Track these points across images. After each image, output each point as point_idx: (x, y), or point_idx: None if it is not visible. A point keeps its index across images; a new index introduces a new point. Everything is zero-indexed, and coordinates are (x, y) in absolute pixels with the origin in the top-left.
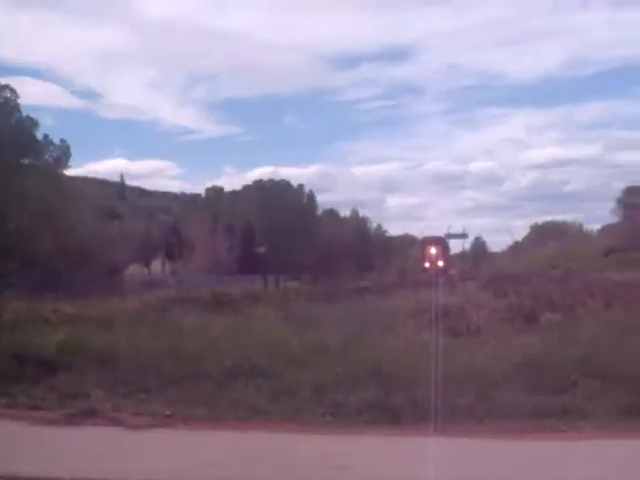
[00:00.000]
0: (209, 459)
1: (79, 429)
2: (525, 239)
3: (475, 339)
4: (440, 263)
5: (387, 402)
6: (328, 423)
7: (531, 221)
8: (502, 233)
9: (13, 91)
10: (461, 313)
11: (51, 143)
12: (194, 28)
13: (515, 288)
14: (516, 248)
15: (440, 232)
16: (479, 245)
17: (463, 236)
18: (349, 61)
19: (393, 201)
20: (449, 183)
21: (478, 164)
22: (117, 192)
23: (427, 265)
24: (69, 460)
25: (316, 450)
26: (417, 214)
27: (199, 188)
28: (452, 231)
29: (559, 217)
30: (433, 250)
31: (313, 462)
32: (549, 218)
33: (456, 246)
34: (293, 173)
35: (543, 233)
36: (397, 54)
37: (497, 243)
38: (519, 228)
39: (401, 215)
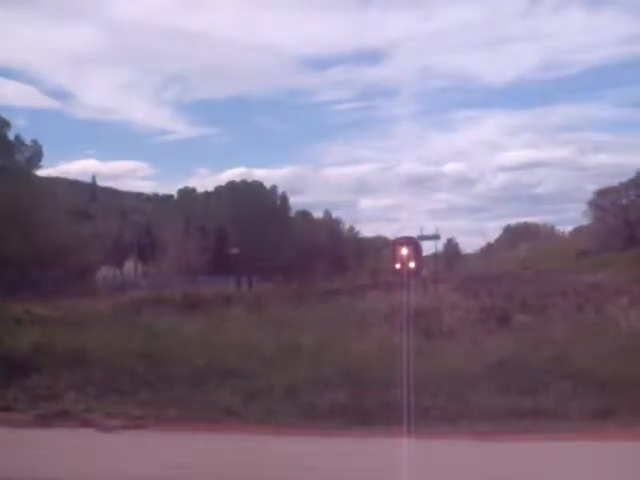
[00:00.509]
0: (179, 460)
1: (51, 431)
2: (497, 241)
3: (448, 340)
4: (412, 264)
5: (360, 404)
6: (301, 425)
7: (504, 223)
8: (475, 235)
9: None
10: (434, 314)
11: (23, 143)
12: (167, 28)
13: (488, 289)
14: (488, 250)
15: (413, 233)
16: (452, 246)
17: (436, 237)
18: (322, 62)
19: (366, 203)
20: (422, 185)
21: (451, 166)
22: (89, 193)
23: (398, 266)
24: (40, 461)
25: (288, 451)
26: (390, 216)
27: (172, 189)
28: (425, 232)
29: (531, 219)
30: (404, 251)
31: (284, 463)
32: (521, 220)
33: (429, 247)
34: (266, 174)
35: (515, 235)
36: (370, 56)
37: (470, 245)
38: (492, 230)
39: (374, 217)
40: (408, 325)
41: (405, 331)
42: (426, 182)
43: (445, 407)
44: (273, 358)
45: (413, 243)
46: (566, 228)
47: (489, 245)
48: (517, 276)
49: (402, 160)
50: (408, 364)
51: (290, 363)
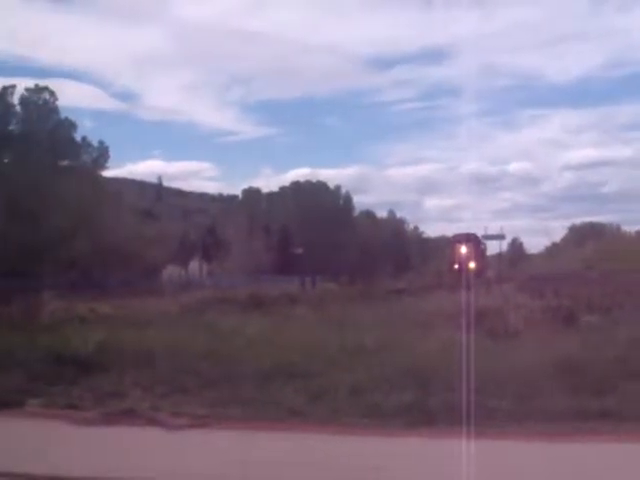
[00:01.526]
0: (244, 459)
1: (116, 429)
2: (562, 240)
3: (513, 341)
4: (472, 264)
5: (424, 404)
6: (365, 425)
7: (568, 222)
8: (540, 234)
9: (52, 93)
10: (499, 314)
11: (89, 145)
12: (231, 29)
13: (553, 289)
14: (553, 249)
15: (478, 233)
16: (516, 246)
17: (500, 237)
18: (386, 62)
19: (430, 202)
20: (486, 184)
21: (515, 165)
22: (155, 193)
23: (456, 266)
24: (106, 459)
25: (352, 451)
26: (454, 215)
27: (236, 189)
28: (490, 232)
29: (597, 218)
30: (463, 249)
31: (349, 463)
32: (587, 219)
33: (493, 247)
34: (330, 175)
35: (580, 234)
36: (434, 55)
37: (534, 244)
38: (556, 229)
39: (438, 217)
40: (473, 325)
41: (469, 331)
42: (490, 181)
43: (510, 408)
44: (337, 358)
45: (473, 240)
46: (632, 228)
47: (554, 245)
48: (582, 276)
49: (466, 159)
50: (472, 364)
51: (354, 363)
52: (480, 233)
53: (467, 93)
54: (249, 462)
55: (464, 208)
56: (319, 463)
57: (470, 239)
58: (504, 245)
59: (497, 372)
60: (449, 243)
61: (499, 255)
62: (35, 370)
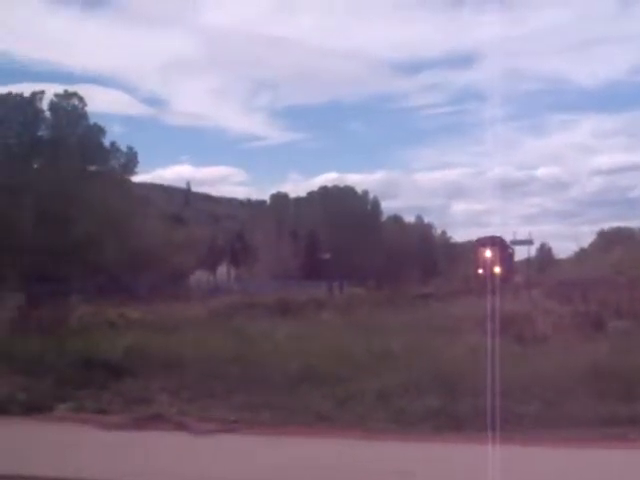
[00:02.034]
0: (273, 464)
1: (144, 433)
2: (591, 245)
3: (541, 346)
4: (497, 269)
5: (451, 409)
6: (392, 430)
7: (598, 227)
8: (568, 239)
9: (81, 99)
10: (527, 320)
11: (118, 150)
12: (258, 35)
13: (581, 295)
14: (582, 254)
15: (506, 238)
16: (545, 251)
17: (529, 242)
18: (413, 67)
19: (458, 207)
20: (514, 189)
21: (544, 170)
22: (183, 198)
23: (480, 271)
24: (133, 463)
25: (380, 456)
26: (482, 220)
27: (264, 194)
28: (518, 237)
29: (625, 223)
30: (488, 253)
31: (377, 468)
32: (616, 224)
33: (522, 253)
34: (358, 179)
35: (609, 239)
36: (461, 59)
37: (563, 249)
38: (585, 234)
39: (466, 221)
40: (500, 330)
41: (497, 336)
42: (518, 186)
43: (538, 413)
44: (364, 363)
45: (499, 244)
46: None
47: (582, 250)
48: (611, 281)
49: (493, 164)
50: (500, 369)
51: (381, 368)
52: (508, 238)
53: (494, 97)
54: (277, 467)
55: (492, 213)
56: (346, 468)
57: (495, 242)
58: (532, 250)
59: (525, 377)
60: (473, 247)
61: (527, 260)
62: (64, 375)
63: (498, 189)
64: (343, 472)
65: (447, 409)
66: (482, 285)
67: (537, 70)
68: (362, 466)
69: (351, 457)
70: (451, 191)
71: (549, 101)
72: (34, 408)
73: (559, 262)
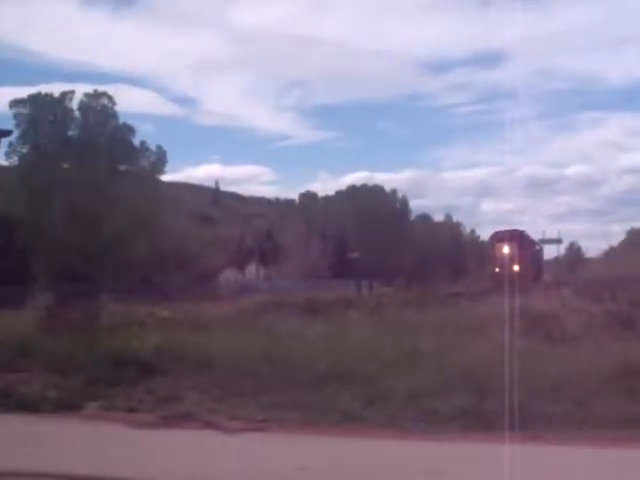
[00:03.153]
0: (302, 463)
1: (174, 432)
2: (621, 244)
3: (571, 346)
4: (516, 267)
5: (481, 409)
6: (422, 429)
7: (628, 226)
8: (598, 238)
9: (110, 98)
10: (556, 319)
11: (147, 149)
12: (287, 34)
13: (611, 294)
14: (612, 253)
15: (535, 237)
16: (574, 250)
17: (558, 241)
18: (442, 65)
19: (487, 206)
20: (544, 188)
21: (573, 168)
22: (212, 197)
23: (497, 269)
24: (163, 462)
25: (410, 456)
26: (511, 219)
27: (293, 194)
28: (547, 236)
29: None
30: (506, 249)
31: (406, 468)
32: None
33: (551, 251)
34: (386, 178)
35: None
36: (490, 58)
37: (593, 248)
38: (615, 233)
39: (495, 220)
40: (530, 330)
41: (526, 336)
42: (548, 185)
43: (568, 413)
44: (394, 362)
45: (518, 239)
46: None
47: (612, 249)
48: None
49: (523, 163)
50: (529, 369)
51: (411, 367)
52: (537, 237)
53: (523, 96)
54: (306, 467)
55: (521, 212)
56: (375, 468)
57: (514, 237)
58: (562, 249)
59: (554, 377)
60: (490, 242)
61: (556, 259)
62: (94, 373)
63: (527, 188)
64: (371, 472)
65: (476, 408)
66: (498, 286)
67: (566, 68)
68: (391, 466)
69: (380, 457)
70: (480, 190)
71: (578, 99)
72: (65, 406)
73: (589, 261)
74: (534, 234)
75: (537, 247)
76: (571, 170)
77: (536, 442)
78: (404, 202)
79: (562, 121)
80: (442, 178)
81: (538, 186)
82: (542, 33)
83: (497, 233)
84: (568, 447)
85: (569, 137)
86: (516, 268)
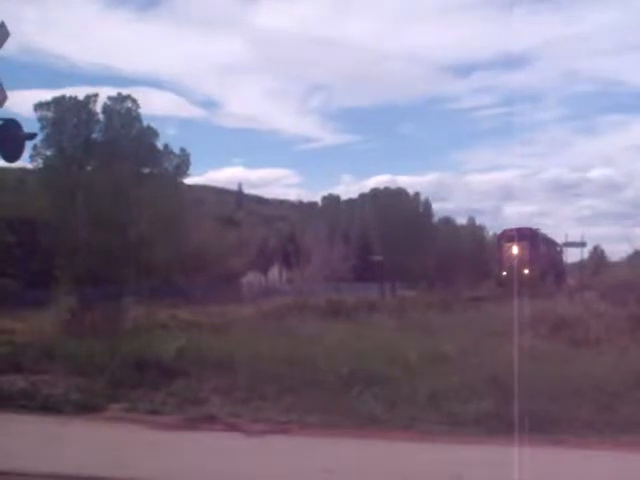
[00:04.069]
0: (325, 466)
1: (197, 434)
2: None
3: (594, 349)
4: (526, 270)
5: (504, 412)
6: (444, 432)
7: None
8: (622, 242)
9: (134, 101)
10: (580, 323)
11: (171, 152)
12: (311, 37)
13: (635, 297)
14: (636, 257)
15: (558, 240)
16: (598, 254)
17: (582, 245)
18: (465, 69)
19: (510, 209)
20: (567, 191)
21: (597, 171)
22: (235, 200)
23: (505, 273)
24: (185, 464)
25: (432, 459)
26: (535, 222)
27: (316, 196)
28: (570, 239)
29: None
30: (515, 249)
31: (428, 471)
32: None
33: (575, 254)
34: (410, 181)
35: None
36: (513, 60)
37: (617, 252)
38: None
39: (519, 223)
40: (553, 333)
41: (550, 339)
42: (571, 188)
43: (591, 417)
44: (416, 365)
45: (529, 238)
46: None
47: (637, 252)
48: None
49: (547, 166)
50: (552, 372)
51: (433, 370)
52: (561, 240)
53: (547, 99)
54: (328, 469)
55: (544, 215)
56: (397, 471)
57: (525, 236)
58: (585, 253)
59: (577, 380)
60: (497, 242)
61: (580, 263)
62: (117, 375)
63: (551, 191)
64: (394, 475)
65: (499, 412)
66: (506, 290)
67: (590, 70)
68: (413, 469)
69: (401, 459)
70: (503, 193)
71: (603, 102)
72: (88, 408)
73: (612, 264)
74: (557, 237)
75: (558, 248)
76: (595, 173)
77: (559, 446)
78: (427, 205)
79: (586, 124)
80: (465, 181)
81: (561, 189)
82: (566, 35)
83: (505, 232)
84: (591, 451)
85: (593, 140)
86: (526, 271)
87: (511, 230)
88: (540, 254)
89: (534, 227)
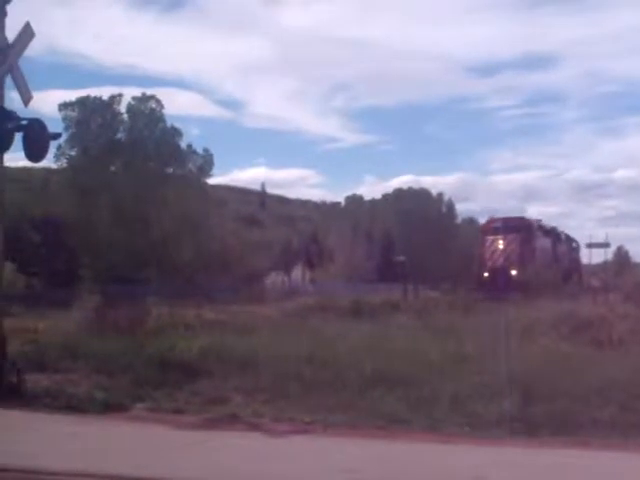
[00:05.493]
0: (348, 466)
1: (220, 433)
2: None
3: (618, 350)
4: (513, 272)
5: (526, 413)
6: (466, 434)
7: None
8: None
9: (158, 102)
10: (603, 324)
11: (194, 152)
12: (334, 38)
13: None
14: None
15: (581, 241)
16: (622, 255)
17: (605, 245)
18: (489, 69)
19: (534, 210)
20: (591, 192)
21: (622, 172)
22: (258, 200)
23: (486, 274)
24: (208, 463)
25: (454, 461)
26: (558, 223)
27: (339, 197)
28: (594, 240)
29: None
30: (500, 244)
31: (450, 473)
32: None
33: (598, 255)
34: (432, 182)
35: None
36: (538, 61)
37: None
38: None
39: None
40: (576, 334)
41: (573, 340)
42: (595, 189)
43: (614, 418)
44: (439, 366)
45: (521, 230)
46: None
47: None
48: None
49: (570, 167)
50: (575, 373)
51: (456, 371)
52: (584, 241)
53: (572, 99)
54: (350, 469)
55: (568, 216)
56: (420, 472)
57: (513, 228)
58: (609, 253)
59: (600, 382)
60: (478, 236)
61: (604, 264)
62: (141, 374)
63: (574, 192)
64: (416, 475)
65: (522, 413)
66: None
67: (614, 71)
68: (435, 470)
69: (424, 460)
70: (527, 193)
71: (628, 103)
72: (111, 407)
73: (636, 265)
74: (580, 237)
75: (574, 244)
76: (619, 174)
77: (582, 448)
78: (450, 206)
79: (610, 124)
80: (489, 181)
81: (585, 190)
82: (590, 36)
83: (489, 222)
84: (614, 453)
85: (617, 141)
86: (514, 272)
87: (496, 220)
88: (536, 250)
89: (528, 217)
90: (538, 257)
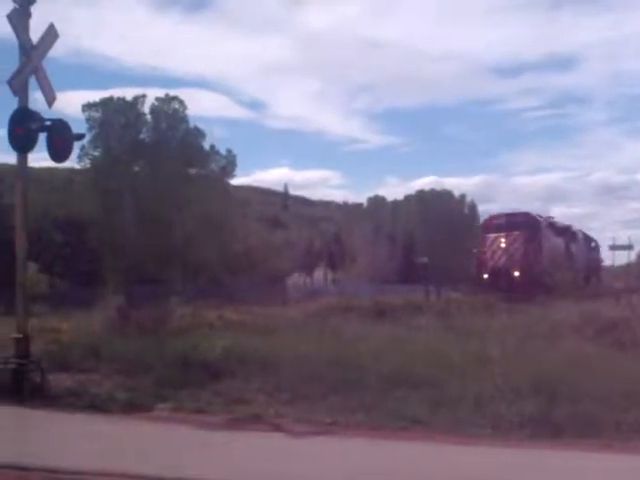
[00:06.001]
0: (369, 467)
1: (242, 434)
2: None
3: None
4: (516, 273)
5: (550, 415)
6: (489, 436)
7: None
8: None
9: (181, 102)
10: (626, 326)
11: (217, 153)
12: (356, 39)
13: None
14: None
15: (603, 243)
16: None
17: (629, 247)
18: (512, 70)
19: (557, 211)
20: (615, 193)
21: None
22: (281, 201)
23: (486, 275)
24: (230, 464)
25: (476, 463)
26: (582, 225)
27: (362, 198)
28: (618, 242)
29: None
30: (503, 242)
31: (473, 475)
32: None
33: (622, 257)
34: (456, 183)
35: None
36: (561, 62)
37: None
38: None
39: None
40: (600, 336)
41: (596, 342)
42: (619, 190)
43: (638, 421)
44: (461, 368)
45: (527, 227)
46: None
47: None
48: None
49: (594, 168)
50: (598, 376)
51: (478, 373)
52: (607, 243)
53: (595, 101)
54: (372, 470)
55: (592, 217)
56: (442, 473)
57: (518, 224)
58: (633, 255)
59: (623, 384)
60: (480, 234)
61: (627, 266)
62: (164, 375)
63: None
64: (437, 477)
65: (545, 415)
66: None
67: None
68: (456, 472)
69: (446, 462)
70: (550, 195)
71: None
72: (134, 407)
73: None
74: (603, 239)
75: (592, 244)
76: None
77: (605, 451)
78: (473, 207)
79: (634, 126)
80: (511, 183)
81: (609, 191)
82: (614, 37)
83: (491, 219)
84: (638, 456)
85: None
86: (516, 273)
87: (498, 216)
88: (543, 249)
89: (535, 212)
90: (546, 256)
